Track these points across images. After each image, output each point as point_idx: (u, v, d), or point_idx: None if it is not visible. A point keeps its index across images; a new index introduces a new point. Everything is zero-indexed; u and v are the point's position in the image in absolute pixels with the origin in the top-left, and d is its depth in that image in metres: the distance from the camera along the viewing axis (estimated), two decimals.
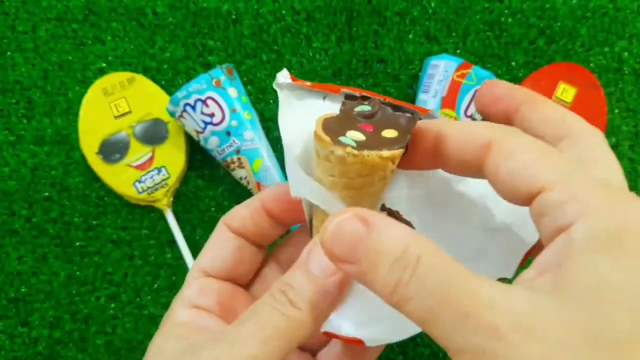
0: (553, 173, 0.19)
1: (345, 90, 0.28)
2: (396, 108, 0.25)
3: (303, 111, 0.27)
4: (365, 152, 0.21)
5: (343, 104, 0.24)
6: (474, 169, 0.22)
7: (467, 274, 0.18)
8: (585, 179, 0.18)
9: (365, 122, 0.23)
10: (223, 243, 0.28)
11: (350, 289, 0.26)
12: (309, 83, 0.27)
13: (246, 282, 0.30)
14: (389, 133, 0.22)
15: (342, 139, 0.22)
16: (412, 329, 0.24)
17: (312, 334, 0.23)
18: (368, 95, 0.27)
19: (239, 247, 0.28)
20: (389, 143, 0.22)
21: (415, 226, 0.27)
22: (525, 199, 0.19)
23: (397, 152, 0.21)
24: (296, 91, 0.28)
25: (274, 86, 0.27)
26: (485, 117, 0.26)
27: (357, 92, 0.27)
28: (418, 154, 0.23)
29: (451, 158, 0.22)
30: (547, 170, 0.19)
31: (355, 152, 0.21)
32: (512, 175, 0.19)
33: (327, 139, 0.21)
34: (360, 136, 0.22)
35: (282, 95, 0.27)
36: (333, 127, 0.22)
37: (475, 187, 0.27)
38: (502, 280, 0.27)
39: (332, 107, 0.28)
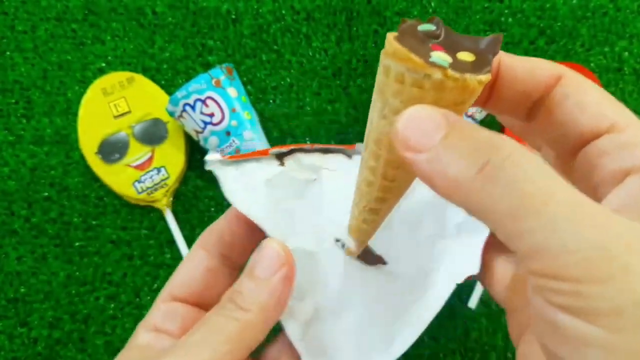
0: (624, 116, 0.18)
1: (274, 150, 0.28)
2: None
3: (245, 178, 0.27)
4: (468, 76, 0.17)
5: (403, 21, 0.19)
6: (529, 104, 0.21)
7: (566, 182, 0.16)
8: None
9: (434, 43, 0.19)
10: (195, 265, 0.28)
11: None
12: (238, 155, 0.28)
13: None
14: (466, 56, 0.19)
15: (433, 58, 0.17)
16: None
17: (263, 334, 0.24)
18: (296, 147, 0.26)
19: (211, 270, 0.28)
20: (474, 67, 0.18)
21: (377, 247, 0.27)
22: (583, 136, 0.19)
23: (489, 77, 0.18)
24: (230, 165, 0.27)
25: (206, 168, 0.27)
26: (495, 112, 0.23)
27: (285, 149, 0.27)
28: None
29: (514, 89, 0.21)
30: (618, 112, 0.19)
31: (457, 74, 0.17)
32: (581, 108, 0.19)
33: (419, 59, 0.17)
34: (447, 57, 0.18)
35: (217, 172, 0.27)
36: (411, 45, 0.18)
37: (422, 198, 0.26)
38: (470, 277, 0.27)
39: (270, 165, 0.28)
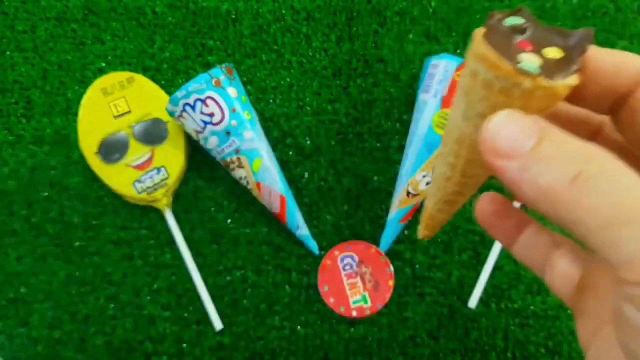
0: None
1: None
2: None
3: None
4: (558, 82, 0.17)
5: (490, 16, 0.19)
6: (613, 100, 0.20)
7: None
8: None
9: (522, 39, 0.18)
10: None
11: None
12: None
13: None
14: (553, 52, 0.18)
15: (523, 65, 0.17)
16: None
17: None
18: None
19: None
20: (562, 67, 0.17)
21: None
22: None
23: (578, 78, 0.17)
24: None
25: None
26: (576, 105, 0.22)
27: None
28: None
29: (599, 82, 0.20)
30: None
31: (547, 83, 0.16)
32: None
33: (509, 66, 0.17)
34: (536, 59, 0.17)
35: None
36: (499, 47, 0.17)
37: None
38: None
39: None
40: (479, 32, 0.18)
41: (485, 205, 0.24)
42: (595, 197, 0.15)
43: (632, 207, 0.15)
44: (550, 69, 0.17)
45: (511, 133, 0.17)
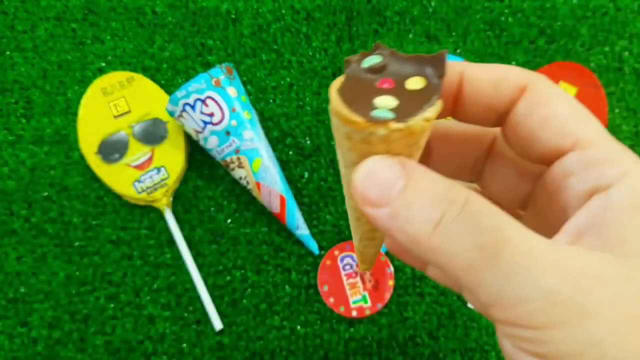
0: (589, 130, 0.17)
1: None
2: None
3: None
4: (411, 121, 0.16)
5: (346, 63, 0.19)
6: (496, 116, 0.20)
7: (519, 225, 0.16)
8: (617, 142, 0.17)
9: (382, 77, 0.18)
10: None
11: None
12: None
13: None
14: (415, 83, 0.18)
15: (375, 113, 0.17)
16: None
17: None
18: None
19: None
20: (423, 97, 0.17)
21: None
22: (550, 154, 0.18)
23: (439, 105, 0.17)
24: None
25: None
26: (462, 121, 0.22)
27: None
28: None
29: (477, 102, 0.20)
30: (583, 127, 0.18)
31: (400, 125, 0.16)
32: (544, 125, 0.18)
33: (359, 118, 0.16)
34: (391, 101, 0.17)
35: None
36: (354, 97, 0.17)
37: None
38: None
39: None
40: (334, 86, 0.18)
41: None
42: (456, 242, 0.16)
43: (489, 248, 0.15)
44: (409, 105, 0.17)
45: (377, 181, 0.17)
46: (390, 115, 0.17)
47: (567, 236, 0.17)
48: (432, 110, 0.17)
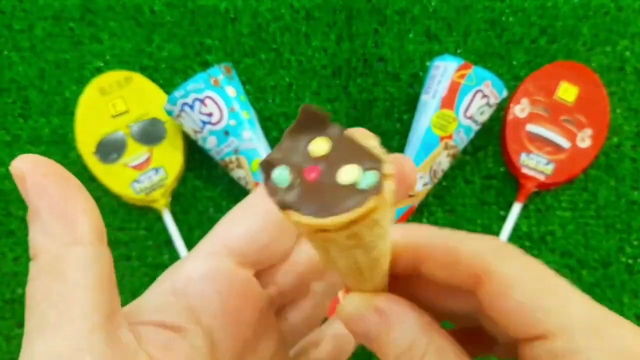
0: (557, 316, 0.17)
1: None
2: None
3: None
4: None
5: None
6: (466, 297, 0.19)
7: None
8: (589, 325, 0.17)
9: (313, 164, 0.16)
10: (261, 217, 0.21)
11: None
12: None
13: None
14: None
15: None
16: None
17: None
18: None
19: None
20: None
21: None
22: (515, 341, 0.18)
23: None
24: None
25: None
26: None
27: None
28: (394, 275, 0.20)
29: (436, 283, 0.19)
30: (548, 314, 0.17)
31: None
32: (508, 317, 0.17)
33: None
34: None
35: None
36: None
37: None
38: None
39: None
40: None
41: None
42: None
43: None
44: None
45: (359, 328, 0.19)
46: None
47: None
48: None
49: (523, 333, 0.17)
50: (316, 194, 0.15)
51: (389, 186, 0.14)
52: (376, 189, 0.14)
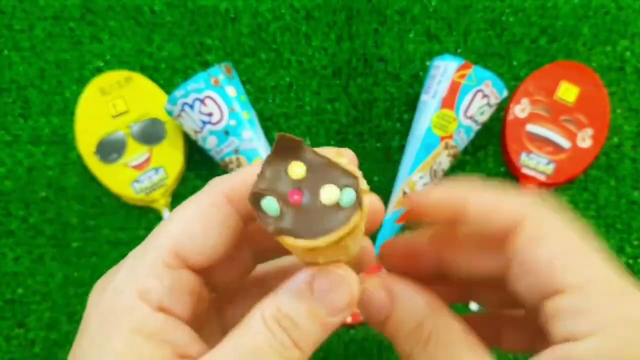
0: (577, 274, 0.17)
1: None
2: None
3: None
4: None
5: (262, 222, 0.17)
6: (495, 248, 0.20)
7: (477, 351, 0.18)
8: (606, 289, 0.17)
9: (295, 188, 0.17)
10: (213, 218, 0.21)
11: None
12: None
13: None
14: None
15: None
16: None
17: None
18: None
19: (233, 230, 0.21)
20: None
21: None
22: (542, 294, 0.18)
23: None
24: None
25: None
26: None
27: None
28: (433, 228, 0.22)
29: (472, 234, 0.20)
30: (572, 269, 0.17)
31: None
32: (535, 266, 0.18)
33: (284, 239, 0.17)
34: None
35: None
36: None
37: None
38: None
39: None
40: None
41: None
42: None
43: None
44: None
45: (372, 310, 0.20)
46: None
47: None
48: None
49: (544, 284, 0.18)
50: (305, 216, 0.17)
51: (366, 200, 0.17)
52: (357, 205, 0.16)
